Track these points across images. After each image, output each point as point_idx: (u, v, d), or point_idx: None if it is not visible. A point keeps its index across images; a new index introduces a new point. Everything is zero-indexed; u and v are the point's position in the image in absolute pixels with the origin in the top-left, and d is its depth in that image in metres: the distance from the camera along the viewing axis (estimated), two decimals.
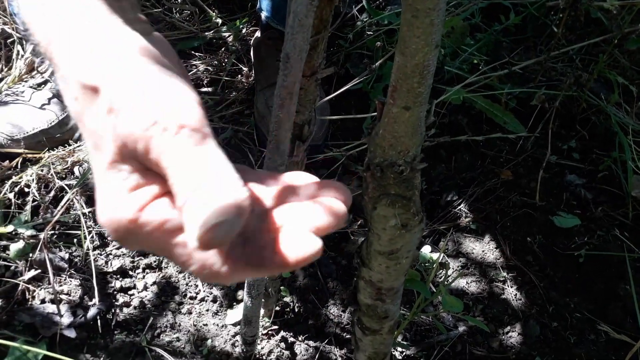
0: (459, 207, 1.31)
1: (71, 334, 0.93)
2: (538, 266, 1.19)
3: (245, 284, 0.84)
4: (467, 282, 1.18)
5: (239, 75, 1.61)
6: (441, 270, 1.21)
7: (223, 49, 1.68)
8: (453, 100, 1.37)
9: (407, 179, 0.62)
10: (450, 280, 1.13)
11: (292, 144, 0.76)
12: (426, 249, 1.21)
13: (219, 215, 0.30)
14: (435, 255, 1.21)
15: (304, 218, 0.35)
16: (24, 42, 1.44)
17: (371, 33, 1.66)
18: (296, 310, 1.10)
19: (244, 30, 1.74)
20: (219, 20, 1.77)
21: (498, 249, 1.22)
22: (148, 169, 0.35)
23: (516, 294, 1.15)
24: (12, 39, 1.43)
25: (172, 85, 0.36)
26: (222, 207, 0.31)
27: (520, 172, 1.34)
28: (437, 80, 1.53)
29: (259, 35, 1.50)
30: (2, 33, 1.44)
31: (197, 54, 1.63)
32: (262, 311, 1.05)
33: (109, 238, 1.15)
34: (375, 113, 1.28)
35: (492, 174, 1.35)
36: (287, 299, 1.10)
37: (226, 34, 1.73)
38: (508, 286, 1.16)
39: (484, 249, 1.23)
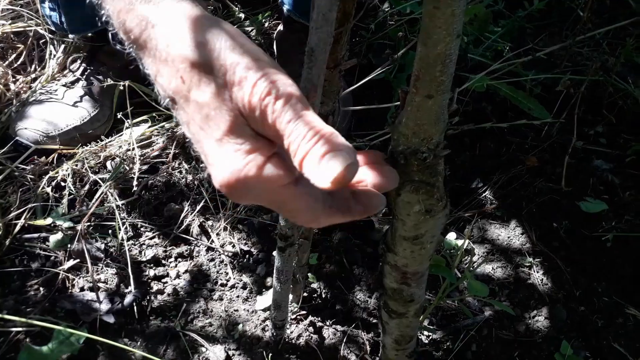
0: (484, 194, 1.31)
1: (110, 319, 0.97)
2: (565, 251, 1.19)
3: (275, 270, 0.87)
4: (492, 268, 1.18)
5: None
6: (466, 257, 1.22)
7: None
8: (476, 87, 1.37)
9: (430, 166, 0.64)
10: (475, 266, 1.15)
11: None
12: (451, 236, 1.22)
13: (348, 160, 0.39)
14: (460, 242, 1.22)
15: (373, 181, 0.54)
16: (55, 43, 1.49)
17: (393, 23, 1.66)
18: (323, 296, 1.12)
19: (266, 24, 1.76)
20: (242, 15, 1.80)
21: (524, 235, 1.23)
22: (256, 136, 0.43)
23: (542, 279, 1.15)
24: (44, 40, 1.48)
25: (272, 63, 0.43)
26: (349, 154, 0.40)
27: (545, 158, 1.34)
28: (461, 68, 1.53)
29: (282, 29, 1.52)
30: (34, 34, 1.49)
31: None
32: (290, 297, 1.08)
33: (141, 229, 1.19)
34: (398, 103, 1.30)
35: (517, 160, 1.35)
36: (315, 285, 1.13)
37: (249, 29, 1.76)
38: (534, 271, 1.16)
39: (509, 235, 1.24)
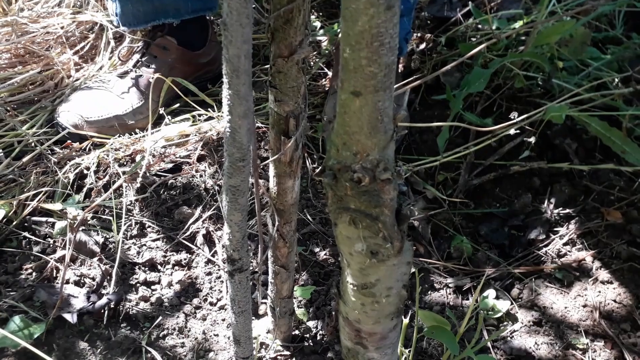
0: (545, 249, 1.07)
1: (72, 319, 0.90)
2: (636, 338, 0.91)
3: (229, 299, 0.74)
4: (536, 343, 0.94)
5: (324, 80, 1.52)
6: (507, 322, 0.98)
7: (315, 52, 1.60)
8: (553, 118, 1.12)
9: (369, 192, 0.47)
10: (507, 335, 0.91)
11: (279, 140, 0.65)
12: (490, 294, 1.00)
13: None
14: (500, 304, 0.99)
15: None
16: (125, 35, 1.51)
17: (474, 39, 1.46)
18: (318, 337, 0.96)
19: (339, 36, 1.65)
20: (318, 24, 1.71)
21: (585, 308, 0.96)
22: None
23: None
24: (117, 32, 1.51)
25: None
26: None
27: (632, 215, 1.06)
28: (543, 94, 1.29)
29: None
30: (101, 28, 1.52)
31: None
32: (267, 331, 0.94)
33: (148, 229, 1.12)
34: (453, 124, 1.09)
35: (595, 213, 1.08)
36: (311, 324, 0.97)
37: (323, 38, 1.66)
38: (588, 357, 0.90)
39: (567, 305, 0.98)
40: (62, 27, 1.48)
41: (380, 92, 0.42)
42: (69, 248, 0.98)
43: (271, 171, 0.70)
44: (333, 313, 0.89)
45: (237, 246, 0.66)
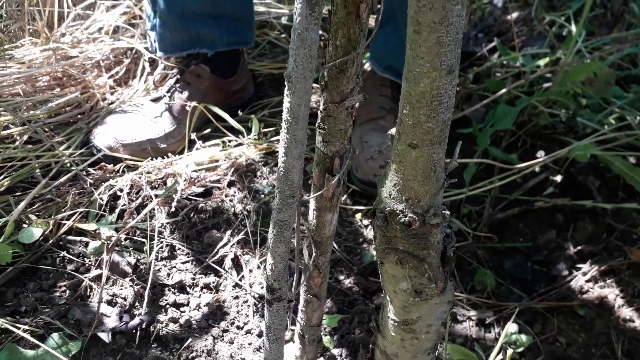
0: (567, 285, 1.08)
1: (106, 338, 0.93)
2: None
3: (264, 326, 0.76)
4: None
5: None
6: (528, 358, 1.00)
7: None
8: (578, 157, 1.15)
9: (417, 235, 0.50)
10: None
11: (322, 177, 0.68)
12: (512, 328, 1.01)
13: None
14: (523, 338, 1.00)
15: None
16: (158, 61, 1.56)
17: (499, 74, 1.50)
18: None
19: (366, 65, 1.69)
20: None
21: (607, 346, 0.98)
22: None
23: None
24: (150, 57, 1.56)
25: None
26: None
27: None
28: (567, 132, 1.32)
29: (369, 68, 1.45)
30: (135, 53, 1.58)
31: (315, 85, 1.62)
32: (294, 358, 0.96)
33: (178, 251, 1.15)
34: (479, 160, 1.11)
35: (618, 251, 1.10)
36: (336, 352, 0.99)
37: None
38: None
39: (589, 342, 0.99)
40: (100, 53, 1.53)
41: (435, 145, 0.45)
42: (105, 268, 1.02)
43: (311, 205, 0.73)
44: (370, 345, 0.92)
45: (278, 276, 0.69)
